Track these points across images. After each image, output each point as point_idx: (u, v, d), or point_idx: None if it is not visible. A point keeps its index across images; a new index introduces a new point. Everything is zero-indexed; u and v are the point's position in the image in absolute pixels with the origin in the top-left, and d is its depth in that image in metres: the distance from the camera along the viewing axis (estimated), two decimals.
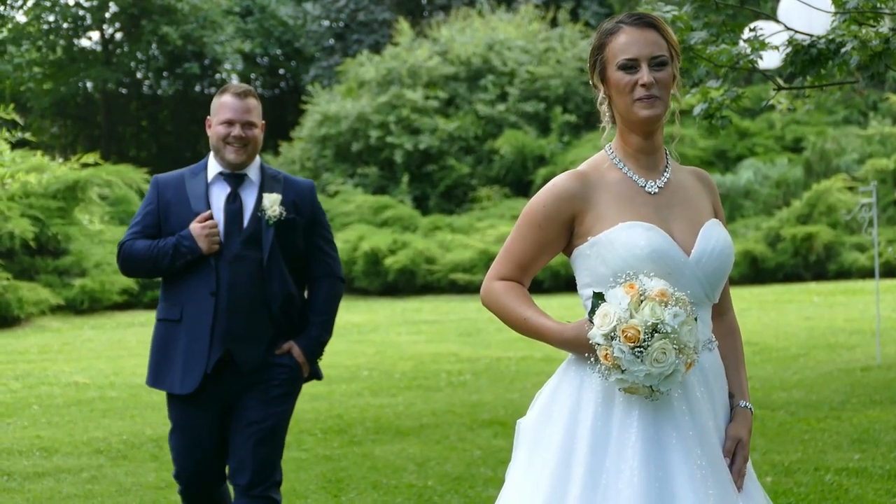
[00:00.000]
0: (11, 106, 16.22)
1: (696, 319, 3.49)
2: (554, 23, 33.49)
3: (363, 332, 17.80)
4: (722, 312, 3.85)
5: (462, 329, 17.57)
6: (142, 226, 5.70)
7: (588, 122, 30.10)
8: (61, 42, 38.27)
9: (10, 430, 10.32)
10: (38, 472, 8.64)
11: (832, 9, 7.84)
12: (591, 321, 3.51)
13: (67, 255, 21.16)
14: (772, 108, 23.23)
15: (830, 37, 7.72)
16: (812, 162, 26.09)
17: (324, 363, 5.90)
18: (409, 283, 24.96)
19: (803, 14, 10.10)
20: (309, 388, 12.14)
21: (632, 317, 3.42)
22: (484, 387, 12.27)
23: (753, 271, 23.74)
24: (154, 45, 37.76)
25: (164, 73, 39.11)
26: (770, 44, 7.88)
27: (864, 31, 7.53)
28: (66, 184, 20.81)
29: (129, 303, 21.81)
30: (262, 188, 5.69)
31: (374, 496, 7.76)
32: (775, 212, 25.09)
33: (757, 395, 10.90)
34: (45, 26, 38.00)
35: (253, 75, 41.53)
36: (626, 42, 3.64)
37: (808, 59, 7.75)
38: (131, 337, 17.56)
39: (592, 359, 3.53)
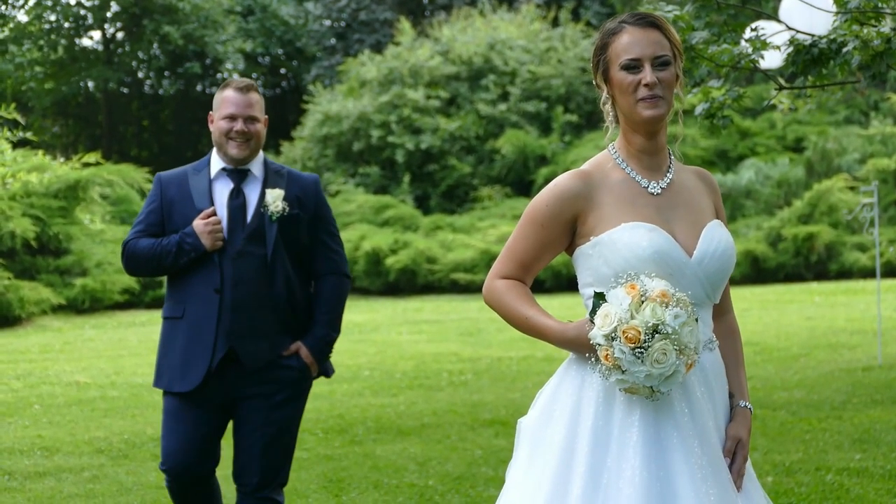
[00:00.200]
0: (13, 105, 16.23)
1: (696, 320, 3.49)
2: (555, 22, 33.49)
3: (364, 331, 17.80)
4: (722, 312, 3.85)
5: (463, 329, 17.56)
6: (145, 224, 5.67)
7: (589, 121, 30.10)
8: (63, 41, 38.28)
9: (11, 430, 10.32)
10: (39, 472, 8.64)
11: (834, 8, 7.84)
12: (591, 321, 3.51)
13: (68, 254, 21.17)
14: (773, 107, 23.23)
15: (832, 36, 7.72)
16: (813, 162, 26.08)
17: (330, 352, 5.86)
18: (411, 282, 24.96)
19: (805, 14, 10.10)
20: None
21: (633, 317, 3.43)
22: (485, 386, 12.27)
23: (755, 271, 23.73)
24: (155, 45, 37.76)
25: (166, 73, 39.12)
26: (771, 43, 7.88)
27: (865, 30, 7.53)
28: (68, 183, 20.80)
29: (131, 302, 21.81)
30: (266, 183, 5.65)
31: (376, 496, 7.76)
32: (776, 211, 25.09)
33: (758, 394, 10.90)
34: (47, 26, 38.01)
35: (254, 75, 41.51)
36: (629, 42, 3.64)
37: (809, 59, 7.75)
38: (132, 336, 17.56)
39: (593, 359, 3.53)
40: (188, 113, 38.79)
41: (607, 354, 3.45)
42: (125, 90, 40.00)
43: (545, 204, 3.69)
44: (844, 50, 7.58)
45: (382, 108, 29.76)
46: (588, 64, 4.40)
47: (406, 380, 12.84)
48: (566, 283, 22.99)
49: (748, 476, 3.74)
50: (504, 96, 30.36)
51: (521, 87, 30.15)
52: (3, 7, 37.56)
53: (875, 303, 16.20)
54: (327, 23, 38.55)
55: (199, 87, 39.58)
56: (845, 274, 23.36)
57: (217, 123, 5.61)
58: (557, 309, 17.80)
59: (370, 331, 17.87)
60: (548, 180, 3.88)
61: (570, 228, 3.69)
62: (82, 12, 37.94)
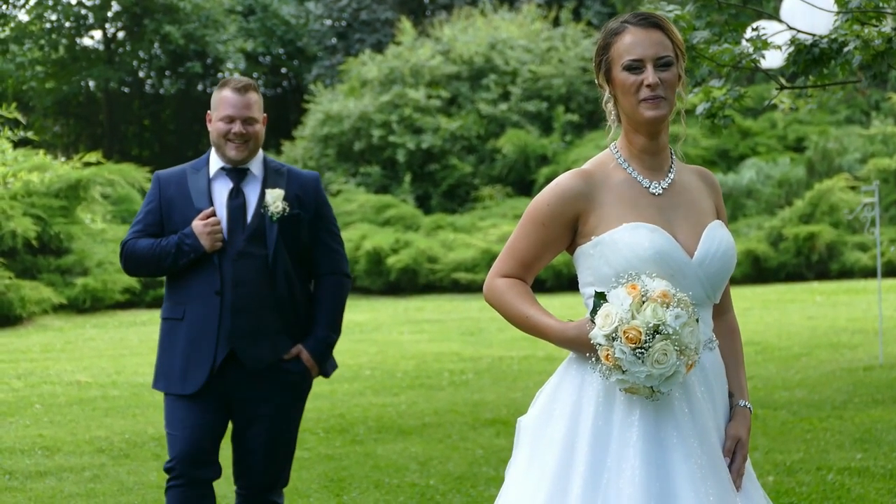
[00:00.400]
0: (14, 105, 16.24)
1: (697, 321, 3.49)
2: (556, 22, 33.48)
3: (365, 331, 17.81)
4: (722, 312, 3.85)
5: (464, 328, 17.56)
6: (144, 224, 5.61)
7: (590, 121, 30.09)
8: (63, 41, 38.28)
9: (12, 429, 10.32)
10: (40, 471, 8.64)
11: (835, 8, 7.84)
12: (592, 321, 3.51)
13: (69, 254, 21.17)
14: (774, 107, 23.20)
15: (833, 36, 7.72)
16: (814, 161, 26.08)
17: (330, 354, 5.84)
18: (412, 282, 24.96)
19: (807, 13, 10.10)
20: (311, 388, 12.12)
21: (633, 318, 3.43)
22: (486, 386, 12.27)
23: (756, 271, 23.73)
24: (156, 45, 37.76)
25: (167, 73, 39.12)
26: (772, 43, 7.88)
27: (866, 30, 7.53)
28: (69, 183, 20.80)
29: (132, 302, 21.81)
30: (266, 183, 5.59)
31: (377, 495, 7.76)
32: (777, 211, 25.08)
33: (759, 394, 10.90)
34: (48, 25, 38.01)
35: (255, 74, 41.50)
36: (631, 42, 3.64)
37: (810, 59, 7.76)
38: (133, 336, 17.57)
39: (593, 358, 3.53)
40: (189, 112, 38.79)
41: (608, 354, 3.45)
42: (126, 90, 39.99)
43: (546, 203, 3.69)
44: (845, 50, 7.58)
45: (383, 107, 29.76)
46: (589, 64, 4.40)
47: (407, 379, 12.85)
48: (567, 282, 22.99)
49: (748, 476, 3.74)
50: (505, 96, 30.35)
51: (522, 87, 30.15)
52: (4, 6, 37.56)
53: (876, 302, 16.20)
54: (328, 22, 38.55)
55: (200, 87, 39.57)
56: (846, 273, 23.35)
57: (215, 124, 5.55)
58: (558, 308, 17.80)
59: (371, 330, 17.87)
60: (549, 180, 3.89)
61: (571, 228, 3.69)
62: (83, 12, 37.94)
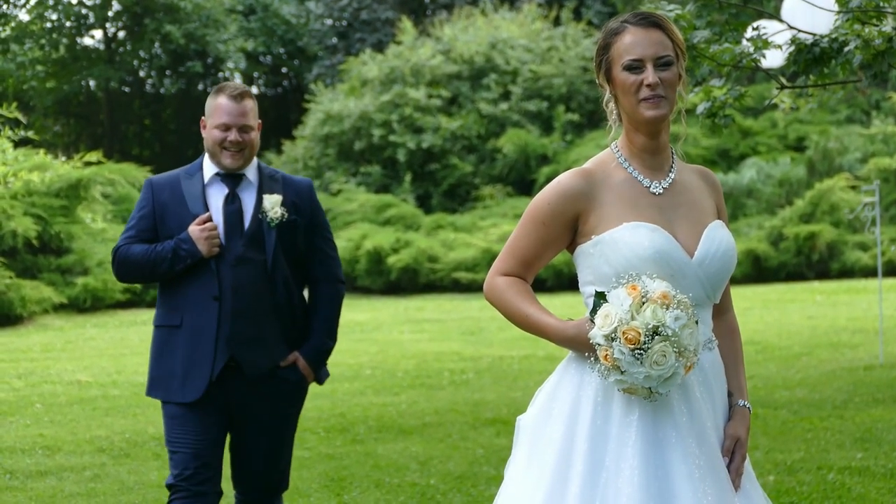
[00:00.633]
0: (14, 104, 16.23)
1: (696, 322, 3.49)
2: (557, 21, 33.48)
3: (366, 330, 17.81)
4: (722, 312, 3.85)
5: (465, 328, 17.56)
6: (137, 230, 5.51)
7: (591, 120, 30.09)
8: (64, 40, 38.29)
9: (12, 429, 10.32)
10: (40, 471, 8.64)
11: (835, 8, 7.84)
12: (591, 320, 3.51)
13: (70, 253, 21.16)
14: (775, 106, 23.21)
15: (833, 36, 7.72)
16: (815, 161, 26.08)
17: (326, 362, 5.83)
18: (412, 281, 24.96)
19: (807, 13, 10.10)
20: (311, 387, 12.12)
21: (633, 318, 3.43)
22: (486, 385, 12.27)
23: (756, 270, 23.73)
24: (157, 44, 37.77)
25: (167, 72, 39.13)
26: (773, 43, 7.88)
27: (867, 30, 7.54)
28: (69, 182, 20.80)
29: (132, 301, 21.81)
30: (261, 188, 5.52)
31: (377, 495, 7.76)
32: (778, 211, 25.08)
33: (760, 393, 10.90)
34: (48, 25, 38.02)
35: (256, 74, 41.52)
36: (631, 42, 3.64)
37: (810, 58, 7.76)
38: (134, 335, 17.57)
39: (592, 358, 3.53)
40: (190, 112, 38.78)
41: (607, 355, 3.45)
42: (127, 89, 40.00)
43: (547, 202, 3.69)
44: (846, 49, 7.58)
45: (384, 107, 29.75)
46: (590, 63, 4.40)
47: (408, 379, 12.85)
48: (567, 281, 22.98)
49: (747, 475, 3.74)
50: (505, 95, 30.35)
51: (522, 87, 30.14)
52: (5, 6, 37.56)
53: (877, 302, 16.20)
54: (329, 22, 38.55)
55: (200, 87, 39.57)
56: (847, 273, 23.35)
57: (210, 132, 5.48)
58: (559, 308, 17.79)
59: (372, 330, 17.87)
60: (549, 180, 3.88)
61: (571, 227, 3.70)
62: (84, 11, 37.95)
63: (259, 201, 5.49)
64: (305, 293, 5.73)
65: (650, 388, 3.47)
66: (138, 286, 21.38)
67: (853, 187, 24.29)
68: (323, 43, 38.33)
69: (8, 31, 37.54)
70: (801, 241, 23.47)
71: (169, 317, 5.48)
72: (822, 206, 24.02)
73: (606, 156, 3.76)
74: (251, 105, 5.50)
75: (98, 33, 39.01)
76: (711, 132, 8.17)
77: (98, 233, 21.96)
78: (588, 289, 3.66)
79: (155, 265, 5.43)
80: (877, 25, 7.62)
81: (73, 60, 38.22)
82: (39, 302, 19.45)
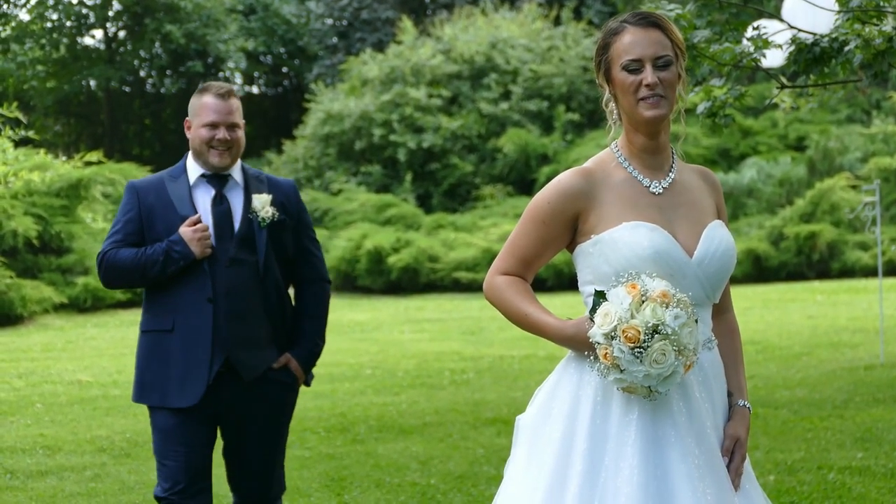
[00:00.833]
0: (15, 104, 16.24)
1: (696, 321, 3.49)
2: (557, 21, 33.48)
3: (366, 330, 17.81)
4: (722, 311, 3.85)
5: (465, 327, 17.57)
6: (123, 234, 5.41)
7: (591, 120, 30.09)
8: (64, 40, 38.29)
9: (13, 429, 10.33)
10: (41, 471, 8.64)
11: (836, 7, 7.84)
12: (591, 319, 3.51)
13: (70, 253, 21.17)
14: (775, 106, 23.20)
15: (834, 35, 7.73)
16: (815, 160, 26.07)
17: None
18: (413, 281, 24.95)
19: (808, 12, 10.09)
20: (312, 387, 12.11)
21: (633, 317, 3.43)
22: (487, 385, 12.27)
23: (757, 270, 23.72)
24: (157, 44, 37.77)
25: (168, 72, 39.13)
26: (773, 42, 7.88)
27: (867, 29, 7.54)
28: (70, 182, 20.80)
29: (132, 301, 21.79)
30: (248, 188, 5.46)
31: (377, 494, 7.76)
32: (778, 210, 25.08)
33: (760, 393, 10.90)
34: (49, 24, 38.02)
35: (256, 74, 41.52)
36: (631, 42, 3.64)
37: (811, 58, 7.76)
38: (134, 335, 17.49)
39: (592, 357, 3.53)
40: None
41: (606, 353, 3.45)
42: (127, 89, 40.00)
43: (547, 201, 3.69)
44: (846, 49, 7.59)
45: (384, 106, 29.75)
46: (590, 63, 4.39)
47: (408, 378, 12.85)
48: (568, 281, 22.98)
49: (747, 475, 3.74)
50: (506, 95, 30.35)
51: (522, 86, 30.14)
52: (5, 6, 37.57)
53: (877, 301, 16.20)
54: (329, 21, 38.55)
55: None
56: (847, 273, 23.35)
57: (197, 131, 5.40)
58: (559, 307, 17.79)
59: (372, 329, 17.88)
60: (549, 179, 3.88)
61: (571, 226, 3.70)
62: (84, 11, 37.95)
63: (247, 201, 5.44)
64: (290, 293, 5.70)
65: (650, 387, 3.47)
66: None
67: (853, 187, 24.29)
68: (323, 42, 38.33)
69: (8, 31, 37.55)
70: (801, 240, 23.47)
71: (159, 321, 5.39)
72: (822, 205, 24.02)
73: (606, 155, 3.76)
74: (237, 104, 5.46)
75: (98, 33, 39.04)
76: (712, 132, 8.17)
77: (98, 232, 21.95)
78: (587, 288, 3.67)
79: (146, 269, 5.33)
80: (877, 25, 7.62)
81: (73, 60, 38.23)
82: (40, 302, 19.45)
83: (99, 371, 13.51)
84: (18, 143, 20.33)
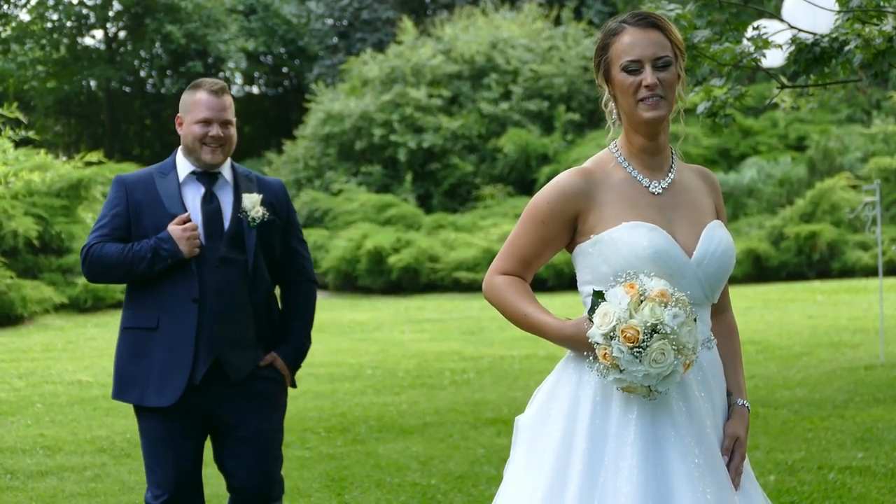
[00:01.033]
0: (15, 104, 16.25)
1: (695, 320, 3.49)
2: (557, 21, 33.48)
3: (366, 330, 17.81)
4: (721, 311, 3.86)
5: (465, 327, 17.56)
6: (110, 228, 5.32)
7: (591, 120, 30.08)
8: (65, 40, 38.30)
9: (13, 429, 10.33)
10: (41, 471, 8.64)
11: (836, 7, 7.84)
12: (590, 319, 3.51)
13: (71, 253, 21.16)
14: (775, 106, 23.21)
15: (834, 35, 7.73)
16: (815, 160, 26.07)
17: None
18: (413, 281, 24.95)
19: (808, 12, 10.10)
20: (313, 387, 12.15)
21: (631, 317, 3.43)
22: (487, 385, 12.27)
23: (757, 270, 23.72)
24: (158, 44, 37.79)
25: (168, 72, 39.14)
26: (773, 42, 7.88)
27: (867, 29, 7.54)
28: (70, 182, 20.79)
29: None
30: (237, 187, 5.40)
31: (378, 494, 7.76)
32: (779, 210, 25.07)
33: (760, 393, 10.90)
34: (49, 25, 38.03)
35: (256, 74, 41.54)
36: (630, 43, 3.64)
37: (811, 58, 7.76)
38: None
39: (591, 357, 3.53)
40: None
41: (605, 353, 3.45)
42: (127, 89, 40.01)
43: (546, 201, 3.70)
44: (846, 49, 7.59)
45: (384, 106, 29.74)
46: (590, 63, 4.33)
47: (408, 378, 12.84)
48: (568, 281, 22.97)
49: (746, 475, 3.74)
50: (506, 95, 30.34)
51: (523, 86, 30.14)
52: (6, 6, 37.58)
53: (877, 301, 16.20)
54: (329, 22, 38.55)
55: None
56: (847, 272, 23.35)
57: (190, 128, 5.34)
58: (559, 307, 17.79)
59: (372, 329, 17.88)
60: (550, 179, 3.87)
61: (570, 226, 3.70)
62: (84, 11, 37.96)
63: (237, 200, 5.39)
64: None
65: (649, 387, 3.47)
66: None
67: (854, 187, 24.28)
68: (324, 43, 38.34)
69: (9, 31, 37.56)
70: (801, 240, 23.46)
71: (141, 319, 5.34)
72: (822, 205, 24.01)
73: (605, 155, 3.76)
74: (230, 100, 5.42)
75: (99, 33, 39.05)
76: (712, 132, 8.18)
77: None
78: (586, 288, 3.67)
79: (132, 265, 5.26)
80: (877, 25, 7.62)
81: (73, 60, 38.23)
82: (40, 302, 19.45)
83: (99, 371, 13.51)
84: (19, 144, 20.32)
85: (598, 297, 3.51)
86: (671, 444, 3.55)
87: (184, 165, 5.41)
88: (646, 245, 3.56)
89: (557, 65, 30.52)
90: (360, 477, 8.27)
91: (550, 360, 13.52)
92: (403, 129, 29.46)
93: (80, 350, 15.82)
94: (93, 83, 39.23)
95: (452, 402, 11.20)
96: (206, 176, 5.40)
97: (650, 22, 3.66)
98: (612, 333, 3.44)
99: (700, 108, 8.06)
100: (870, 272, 22.72)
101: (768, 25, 8.22)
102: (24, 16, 37.89)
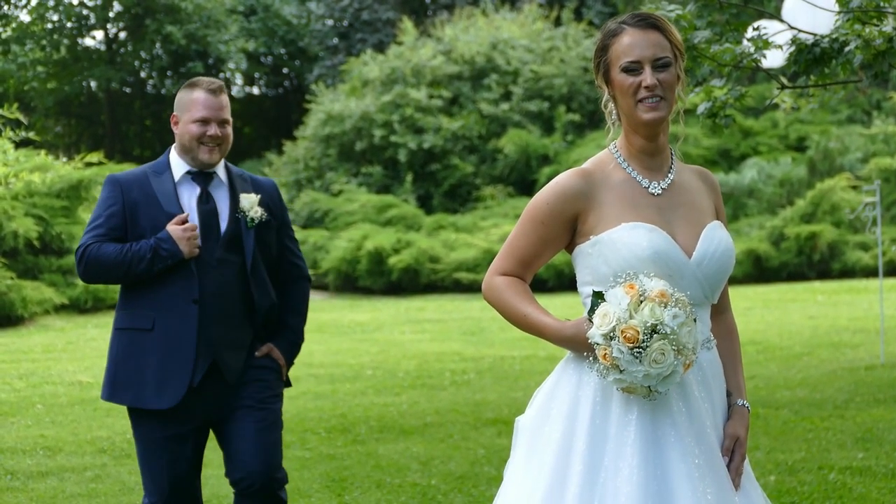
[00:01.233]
0: (15, 105, 16.25)
1: (695, 320, 3.49)
2: (558, 22, 33.49)
3: (367, 330, 17.81)
4: (720, 311, 3.86)
5: (466, 328, 17.56)
6: (106, 228, 5.24)
7: (592, 121, 30.09)
8: (65, 41, 38.32)
9: (13, 430, 10.33)
10: (41, 472, 8.64)
11: (836, 8, 7.85)
12: (590, 320, 3.51)
13: (71, 254, 21.13)
14: (775, 106, 23.21)
15: (834, 36, 7.73)
16: (816, 161, 26.07)
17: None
18: (413, 282, 24.95)
19: (808, 13, 10.10)
20: (313, 388, 12.15)
21: (631, 317, 3.43)
22: (488, 385, 12.27)
23: (757, 270, 23.72)
24: (158, 45, 37.80)
25: (168, 73, 39.15)
26: (773, 43, 7.89)
27: (867, 30, 7.54)
28: (70, 183, 20.79)
29: None
30: (233, 187, 5.35)
31: (378, 495, 7.76)
32: (779, 211, 25.08)
33: (761, 393, 10.90)
34: (49, 25, 38.05)
35: (257, 74, 41.55)
36: (629, 44, 3.64)
37: (811, 58, 7.76)
38: None
39: (591, 358, 3.53)
40: None
41: (605, 354, 3.45)
42: (128, 90, 40.03)
43: (546, 202, 3.70)
44: (846, 49, 7.59)
45: (385, 107, 29.75)
46: (590, 63, 4.33)
47: (409, 379, 12.84)
48: (568, 282, 22.98)
49: (746, 475, 3.74)
50: (506, 96, 30.35)
51: (523, 87, 30.14)
52: (6, 7, 37.59)
53: (878, 302, 16.19)
54: (330, 22, 38.56)
55: None
56: (848, 273, 23.35)
57: (187, 127, 5.28)
58: (559, 308, 17.80)
59: (373, 330, 17.87)
60: (550, 180, 3.87)
61: (570, 226, 3.70)
62: (84, 12, 37.97)
63: (233, 201, 5.34)
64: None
65: (649, 387, 3.48)
66: None
67: (854, 187, 24.28)
68: (324, 43, 38.35)
69: (9, 32, 37.57)
70: (802, 241, 23.46)
71: (136, 320, 5.27)
72: (823, 206, 24.01)
73: (605, 156, 3.76)
74: (227, 100, 5.36)
75: (99, 34, 39.07)
76: (712, 132, 8.18)
77: None
78: (586, 289, 3.67)
79: (131, 265, 5.19)
80: (877, 25, 7.62)
81: (74, 61, 38.24)
82: (40, 303, 19.44)
83: (99, 372, 13.50)
84: (19, 145, 20.33)
85: (598, 297, 3.51)
86: (671, 444, 3.55)
87: (179, 165, 5.35)
88: (645, 246, 3.56)
89: (558, 65, 30.52)
90: (361, 477, 8.27)
91: (551, 360, 13.52)
92: (404, 130, 29.47)
93: (80, 351, 15.82)
94: (93, 84, 39.25)
95: (453, 403, 11.20)
96: (202, 176, 5.35)
97: (650, 23, 3.66)
98: (611, 334, 3.44)
99: (700, 109, 8.07)
100: (870, 272, 22.72)
101: (768, 26, 8.23)
102: (25, 16, 37.92)
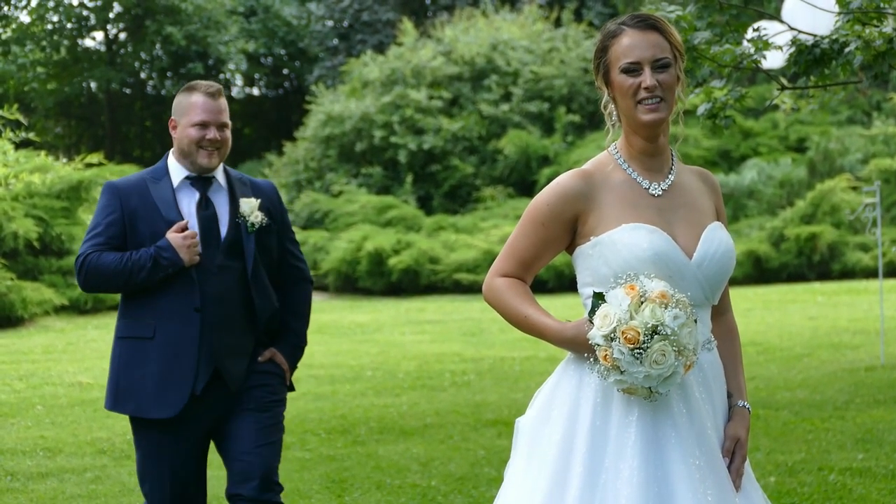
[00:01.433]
0: (15, 106, 16.25)
1: (695, 321, 3.49)
2: (558, 23, 33.48)
3: (367, 331, 17.80)
4: (721, 312, 3.86)
5: (466, 329, 17.56)
6: (106, 237, 5.18)
7: (592, 122, 30.08)
8: (65, 42, 38.32)
9: (13, 431, 10.32)
10: (41, 473, 8.64)
11: (836, 9, 7.85)
12: (590, 321, 3.51)
13: (71, 255, 21.14)
14: (775, 107, 23.21)
15: (834, 37, 7.74)
16: (816, 162, 26.06)
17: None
18: (413, 282, 24.95)
19: (808, 14, 10.10)
20: (313, 389, 12.15)
21: (632, 318, 3.43)
22: (488, 387, 12.26)
23: (757, 271, 23.72)
24: (158, 46, 37.80)
25: (168, 74, 39.15)
26: (773, 44, 7.89)
27: (867, 31, 7.55)
28: (70, 184, 20.79)
29: None
30: (232, 192, 5.29)
31: (378, 496, 7.76)
32: (779, 212, 25.07)
33: (761, 394, 10.90)
34: (49, 26, 38.05)
35: (257, 75, 41.54)
36: (629, 45, 3.64)
37: (811, 59, 7.77)
38: None
39: (591, 359, 3.53)
40: None
41: (606, 355, 3.45)
42: (128, 91, 40.03)
43: (546, 203, 3.70)
44: (846, 50, 7.59)
45: (385, 108, 29.75)
46: (590, 64, 4.34)
47: (409, 380, 12.84)
48: (569, 283, 22.97)
49: (747, 476, 3.74)
50: (506, 97, 30.35)
51: (523, 88, 30.14)
52: (6, 8, 37.59)
53: (878, 303, 16.19)
54: (330, 23, 38.56)
55: None
56: (848, 274, 23.34)
57: (186, 131, 5.22)
58: (560, 309, 17.79)
59: (373, 331, 17.87)
60: (550, 181, 3.86)
61: (570, 228, 3.70)
62: (85, 13, 37.98)
63: (233, 206, 5.28)
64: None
65: (650, 388, 3.47)
66: None
67: (854, 188, 24.28)
68: (324, 44, 38.35)
69: (9, 33, 37.56)
70: (802, 241, 23.46)
71: (137, 328, 5.21)
72: (823, 206, 24.01)
73: (605, 157, 3.76)
74: (225, 103, 5.31)
75: (99, 35, 39.06)
76: (712, 133, 8.18)
77: None
78: (587, 290, 3.67)
79: (131, 274, 5.13)
80: (877, 26, 7.63)
81: (74, 62, 38.25)
82: (40, 303, 19.44)
83: (99, 373, 13.50)
84: (19, 145, 20.33)
85: (599, 298, 3.51)
86: (672, 445, 3.55)
87: (177, 170, 5.29)
88: (646, 247, 3.56)
89: (558, 66, 30.52)
90: (361, 478, 8.27)
91: (551, 361, 13.52)
92: (404, 131, 29.47)
93: (80, 352, 15.81)
94: (93, 85, 39.25)
95: (453, 404, 11.20)
96: (201, 181, 5.29)
97: (649, 24, 3.66)
98: (612, 335, 3.44)
99: (700, 110, 8.07)
100: (870, 273, 22.72)
101: (768, 27, 8.23)
102: (25, 17, 37.92)
